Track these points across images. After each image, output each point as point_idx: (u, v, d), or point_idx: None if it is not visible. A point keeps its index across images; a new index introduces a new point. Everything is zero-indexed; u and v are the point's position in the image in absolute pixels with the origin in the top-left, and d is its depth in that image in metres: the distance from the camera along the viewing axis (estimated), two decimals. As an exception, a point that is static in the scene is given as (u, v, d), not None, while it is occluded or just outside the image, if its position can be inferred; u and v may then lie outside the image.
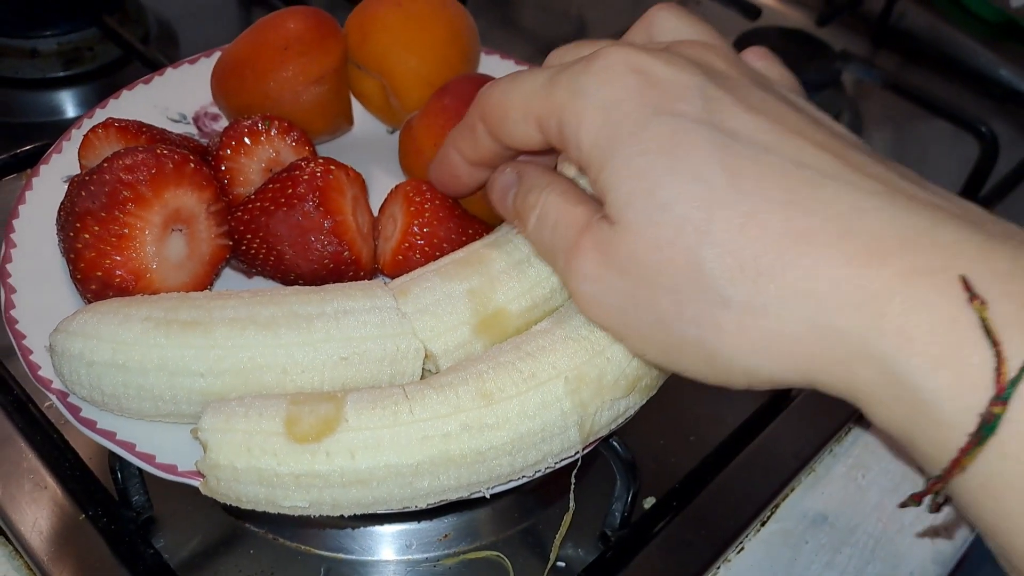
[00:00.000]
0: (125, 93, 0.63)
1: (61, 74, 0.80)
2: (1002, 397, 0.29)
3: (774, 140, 0.35)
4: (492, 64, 0.69)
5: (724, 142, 0.35)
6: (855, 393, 0.33)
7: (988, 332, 0.29)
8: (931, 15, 1.02)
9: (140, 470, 0.50)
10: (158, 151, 0.48)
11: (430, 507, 0.43)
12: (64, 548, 0.51)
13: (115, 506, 0.52)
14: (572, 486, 0.47)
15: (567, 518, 0.48)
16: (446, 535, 0.54)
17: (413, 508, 0.43)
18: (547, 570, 0.52)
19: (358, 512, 0.42)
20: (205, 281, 0.52)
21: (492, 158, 0.47)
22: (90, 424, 0.45)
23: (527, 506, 0.56)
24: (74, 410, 0.46)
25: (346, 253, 0.51)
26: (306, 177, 0.51)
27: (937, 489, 0.32)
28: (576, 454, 0.45)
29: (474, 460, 0.41)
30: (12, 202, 0.67)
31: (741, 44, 0.90)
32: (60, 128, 0.77)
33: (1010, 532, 0.30)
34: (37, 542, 0.51)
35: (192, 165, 0.49)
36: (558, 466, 0.45)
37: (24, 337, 0.48)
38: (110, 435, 0.45)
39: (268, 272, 0.53)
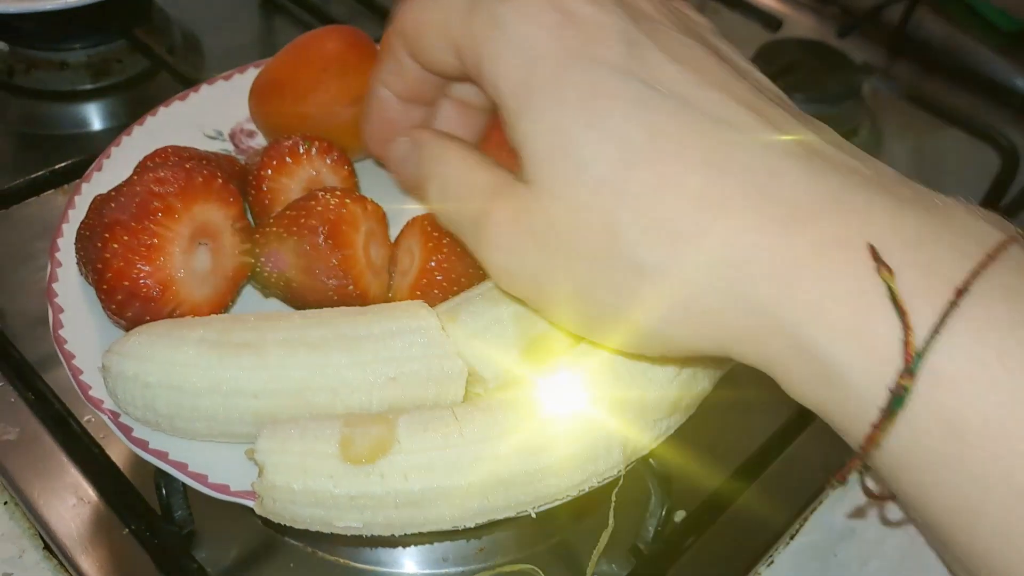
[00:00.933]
0: (161, 110, 0.64)
1: (90, 86, 0.81)
2: (910, 369, 0.28)
3: (696, 94, 0.34)
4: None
5: (645, 95, 0.33)
6: (770, 366, 0.32)
7: (895, 302, 0.28)
8: (947, 24, 1.03)
9: (184, 486, 0.51)
10: (187, 166, 0.49)
11: (478, 526, 0.44)
12: (108, 562, 0.51)
13: (158, 520, 0.52)
14: (612, 504, 0.47)
15: (605, 534, 0.49)
16: (481, 549, 0.55)
17: (462, 527, 0.44)
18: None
19: (409, 531, 0.43)
20: (227, 296, 0.52)
21: (422, 89, 0.44)
22: (142, 444, 0.46)
23: (560, 520, 0.56)
24: (126, 430, 0.46)
25: (351, 288, 0.52)
26: (319, 208, 0.51)
27: (856, 467, 0.31)
28: (618, 473, 0.46)
29: (523, 481, 0.42)
30: (50, 216, 0.69)
31: (763, 56, 0.91)
32: (88, 140, 0.78)
33: (927, 506, 0.30)
34: (81, 557, 0.51)
35: (220, 180, 0.49)
36: (600, 484, 0.46)
37: (74, 357, 0.49)
38: (162, 455, 0.46)
39: (279, 295, 0.54)
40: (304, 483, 0.41)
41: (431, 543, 0.54)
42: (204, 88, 0.66)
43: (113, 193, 0.49)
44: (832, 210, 0.31)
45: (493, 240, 0.37)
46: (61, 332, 0.50)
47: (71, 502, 0.53)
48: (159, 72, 0.83)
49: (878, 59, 1.02)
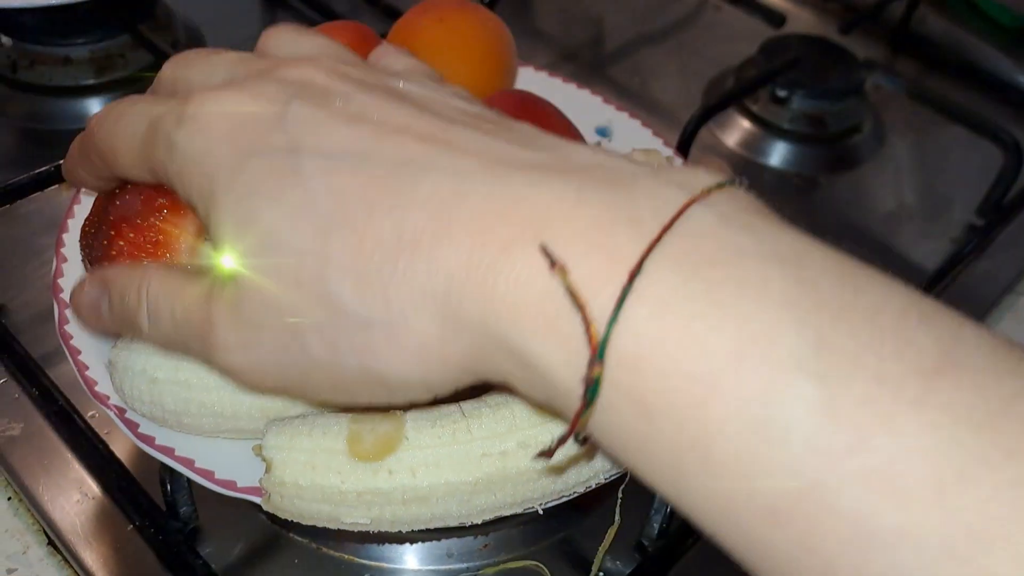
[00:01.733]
0: (165, 105, 0.64)
1: (93, 81, 0.81)
2: (598, 358, 0.28)
3: (373, 146, 0.34)
4: (526, 76, 0.70)
5: (321, 165, 0.34)
6: (504, 378, 0.33)
7: (573, 297, 0.29)
8: (949, 21, 1.03)
9: (189, 481, 0.51)
10: None
11: (485, 523, 0.44)
12: (113, 558, 0.51)
13: (163, 516, 0.52)
14: (620, 501, 0.48)
15: (612, 531, 0.49)
16: (486, 545, 0.55)
17: (468, 524, 0.44)
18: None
19: (416, 528, 0.43)
20: None
21: (116, 176, 0.44)
22: (149, 440, 0.46)
23: (564, 516, 0.56)
24: (132, 426, 0.46)
25: None
26: None
27: (557, 447, 0.32)
28: (626, 469, 0.46)
29: (530, 477, 0.42)
30: (54, 212, 0.69)
31: (766, 52, 0.91)
32: (92, 135, 0.78)
33: (644, 479, 0.30)
34: (86, 552, 0.51)
35: None
36: (607, 481, 0.46)
37: (80, 352, 0.49)
38: (169, 451, 0.46)
39: None
40: (312, 479, 0.41)
41: (437, 539, 0.54)
42: (208, 83, 0.66)
43: (118, 191, 0.49)
44: (515, 215, 0.31)
45: (223, 343, 0.36)
46: (67, 327, 0.50)
47: (75, 498, 0.53)
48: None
49: (880, 55, 1.02)
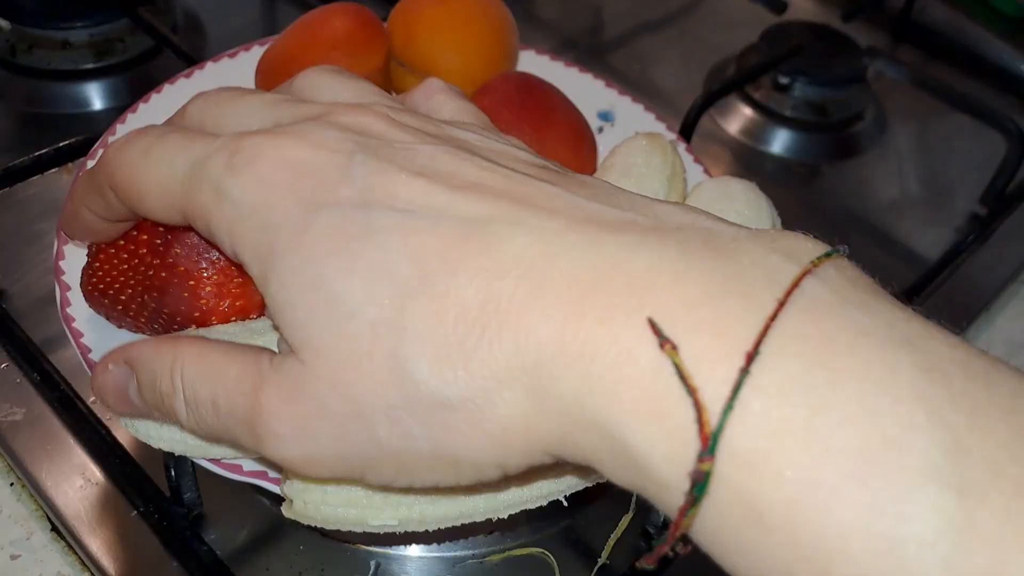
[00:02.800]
0: (166, 87, 0.63)
1: (92, 65, 0.80)
2: (708, 451, 0.25)
3: (448, 201, 0.31)
4: (527, 60, 0.69)
5: (396, 222, 0.31)
6: (590, 461, 0.29)
7: (683, 380, 0.26)
8: (951, 9, 1.03)
9: (193, 467, 0.51)
10: None
11: (511, 517, 0.43)
12: (117, 544, 0.51)
13: (166, 502, 0.52)
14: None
15: (625, 519, 0.49)
16: (492, 531, 0.55)
17: (495, 519, 0.43)
18: (596, 569, 0.53)
19: (444, 526, 0.42)
20: None
21: (133, 216, 0.41)
22: (154, 424, 0.46)
23: (570, 504, 0.56)
24: None
25: None
26: None
27: (663, 553, 0.28)
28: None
29: (558, 472, 0.42)
30: (54, 196, 0.68)
31: (768, 39, 0.91)
32: (90, 120, 0.78)
33: None
34: (89, 538, 0.51)
35: None
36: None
37: (82, 335, 0.48)
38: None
39: None
40: (337, 483, 0.40)
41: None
42: (209, 66, 0.65)
43: (155, 238, 0.45)
44: (612, 282, 0.28)
45: (275, 433, 0.32)
46: (69, 310, 0.49)
47: (78, 483, 0.53)
48: (162, 51, 0.82)
49: (882, 44, 1.01)
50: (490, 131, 0.38)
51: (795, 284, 0.27)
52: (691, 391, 0.26)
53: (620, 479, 0.29)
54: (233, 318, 0.46)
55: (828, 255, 0.28)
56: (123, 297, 0.47)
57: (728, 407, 0.25)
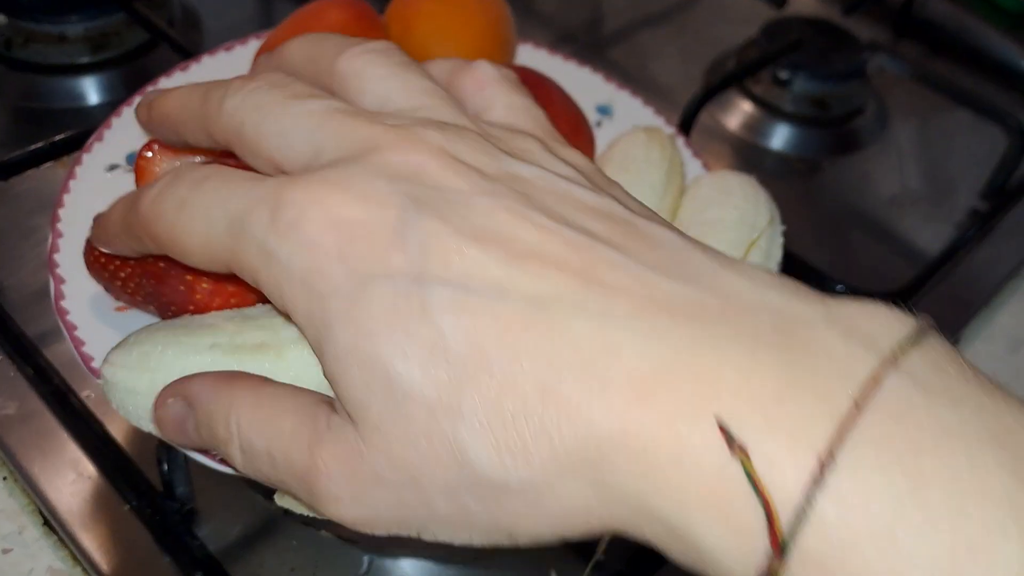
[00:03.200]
0: (163, 81, 0.63)
1: (88, 60, 0.80)
2: (779, 555, 0.25)
3: (506, 276, 0.30)
4: (526, 53, 0.69)
5: (452, 298, 0.29)
6: (654, 545, 0.29)
7: (754, 484, 0.25)
8: (952, 5, 1.02)
9: (186, 461, 0.50)
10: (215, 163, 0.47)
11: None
12: (109, 538, 0.51)
13: (159, 497, 0.52)
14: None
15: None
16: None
17: None
18: (590, 566, 0.53)
19: None
20: None
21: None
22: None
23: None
24: None
25: None
26: None
27: None
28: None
29: None
30: (49, 190, 0.68)
31: (768, 34, 0.90)
32: (85, 114, 0.77)
33: None
34: (82, 533, 0.51)
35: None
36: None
37: (76, 328, 0.48)
38: None
39: None
40: None
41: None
42: (205, 59, 0.65)
43: None
44: (676, 377, 0.27)
45: (333, 495, 0.32)
46: (63, 303, 0.49)
47: (71, 478, 0.53)
48: (158, 45, 0.82)
49: (883, 38, 1.01)
50: (548, 142, 0.37)
51: (874, 380, 0.26)
52: (762, 497, 0.25)
53: (685, 566, 0.28)
54: None
55: (912, 340, 0.27)
56: (122, 274, 0.47)
57: (802, 514, 0.25)
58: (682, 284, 0.29)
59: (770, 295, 0.29)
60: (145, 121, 0.42)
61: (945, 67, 0.99)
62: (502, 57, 0.61)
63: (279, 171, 0.35)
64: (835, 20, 0.96)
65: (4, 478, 0.54)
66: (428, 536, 0.33)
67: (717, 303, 0.29)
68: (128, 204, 0.38)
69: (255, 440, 0.34)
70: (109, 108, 0.71)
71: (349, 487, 0.31)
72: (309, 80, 0.38)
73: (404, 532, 0.33)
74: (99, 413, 0.55)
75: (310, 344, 0.32)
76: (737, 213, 0.53)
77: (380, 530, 0.33)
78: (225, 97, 0.36)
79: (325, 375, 0.32)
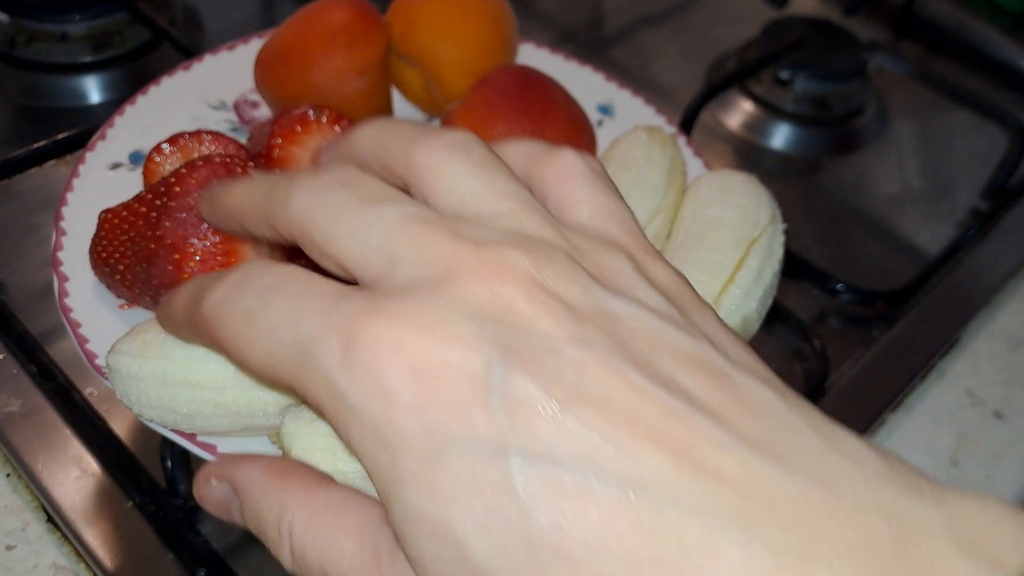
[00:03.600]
0: (165, 79, 0.63)
1: (90, 58, 0.80)
2: None
3: (600, 451, 0.27)
4: (527, 53, 0.69)
5: (538, 475, 0.27)
6: None
7: None
8: (953, 4, 1.03)
9: (189, 458, 0.51)
10: (217, 160, 0.47)
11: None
12: (112, 535, 0.51)
13: (162, 493, 0.52)
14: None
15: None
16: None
17: None
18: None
19: None
20: None
21: None
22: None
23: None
24: None
25: None
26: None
27: None
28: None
29: None
30: (51, 188, 0.68)
31: (769, 33, 0.91)
32: (87, 113, 0.78)
33: None
34: (85, 529, 0.51)
35: (252, 164, 0.49)
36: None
37: (80, 326, 0.48)
38: (190, 437, 0.45)
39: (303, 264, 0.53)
40: (333, 464, 0.40)
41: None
42: (207, 58, 0.65)
43: (159, 205, 0.47)
44: None
45: None
46: (67, 300, 0.49)
47: (74, 474, 0.53)
48: (160, 44, 0.82)
49: (883, 38, 1.01)
50: (638, 256, 0.34)
51: None
52: None
53: None
54: None
55: None
56: (121, 267, 0.48)
57: None
58: (788, 473, 0.27)
59: (883, 492, 0.26)
60: (209, 214, 0.40)
61: (945, 67, 0.99)
62: (504, 56, 0.61)
63: (349, 275, 0.33)
64: (836, 20, 0.96)
65: (8, 475, 0.54)
66: None
67: (826, 499, 0.26)
68: (192, 298, 0.35)
69: (309, 552, 0.31)
70: (111, 107, 0.72)
71: None
72: (379, 169, 0.36)
73: None
74: (102, 410, 0.55)
75: (375, 486, 0.29)
76: (739, 211, 0.53)
77: None
78: (292, 193, 0.34)
79: (395, 530, 0.29)
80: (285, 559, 0.32)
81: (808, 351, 0.65)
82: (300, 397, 0.32)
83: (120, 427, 0.54)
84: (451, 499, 0.27)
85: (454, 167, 0.34)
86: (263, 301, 0.32)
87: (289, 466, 0.34)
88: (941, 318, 0.71)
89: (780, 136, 0.87)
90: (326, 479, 0.33)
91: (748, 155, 0.85)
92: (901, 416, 0.65)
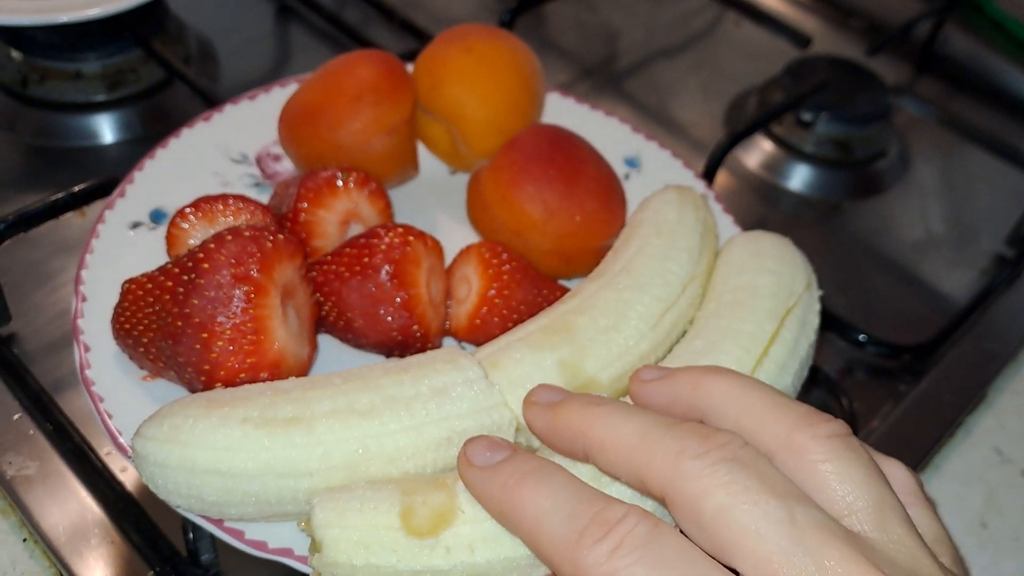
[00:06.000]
0: (185, 131, 0.62)
1: (104, 97, 0.79)
2: None
3: None
4: (552, 102, 0.68)
5: None
6: None
7: None
8: (974, 42, 1.02)
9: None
10: (247, 234, 0.47)
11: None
12: (133, 606, 0.50)
13: (184, 563, 0.51)
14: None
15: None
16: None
17: None
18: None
19: None
20: (315, 343, 0.51)
21: None
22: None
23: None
24: None
25: (415, 327, 0.50)
26: (383, 247, 0.50)
27: None
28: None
29: None
30: (66, 236, 0.67)
31: (792, 73, 0.89)
32: (103, 153, 0.76)
33: None
34: (105, 599, 0.50)
35: (282, 236, 0.48)
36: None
37: (103, 400, 0.47)
38: (218, 522, 0.44)
39: (336, 334, 0.52)
40: (367, 559, 0.39)
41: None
42: (228, 108, 0.64)
43: (187, 280, 0.46)
44: None
45: None
46: (88, 372, 0.48)
47: (93, 541, 0.52)
48: (175, 82, 0.81)
49: (905, 75, 1.00)
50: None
51: None
52: None
53: None
54: (242, 375, 0.45)
55: None
56: (144, 340, 0.47)
57: None
58: None
59: None
60: (543, 423, 0.40)
61: (967, 105, 0.98)
62: (532, 112, 0.60)
63: (730, 563, 0.33)
64: (858, 60, 0.95)
65: (24, 540, 0.53)
66: None
67: None
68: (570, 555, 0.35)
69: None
70: (125, 147, 0.71)
71: None
72: (748, 432, 0.36)
73: None
74: (120, 472, 0.54)
75: None
76: (772, 278, 0.52)
77: None
78: (682, 456, 0.34)
79: None
80: None
81: (836, 408, 0.64)
82: None
83: (140, 491, 0.53)
84: None
85: (847, 467, 0.35)
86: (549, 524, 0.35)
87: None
88: (968, 372, 0.70)
89: (800, 177, 0.86)
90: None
91: (767, 196, 0.84)
92: (930, 476, 0.64)
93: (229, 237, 0.46)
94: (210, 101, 0.71)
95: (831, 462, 0.35)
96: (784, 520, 0.32)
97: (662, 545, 0.32)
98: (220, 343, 0.45)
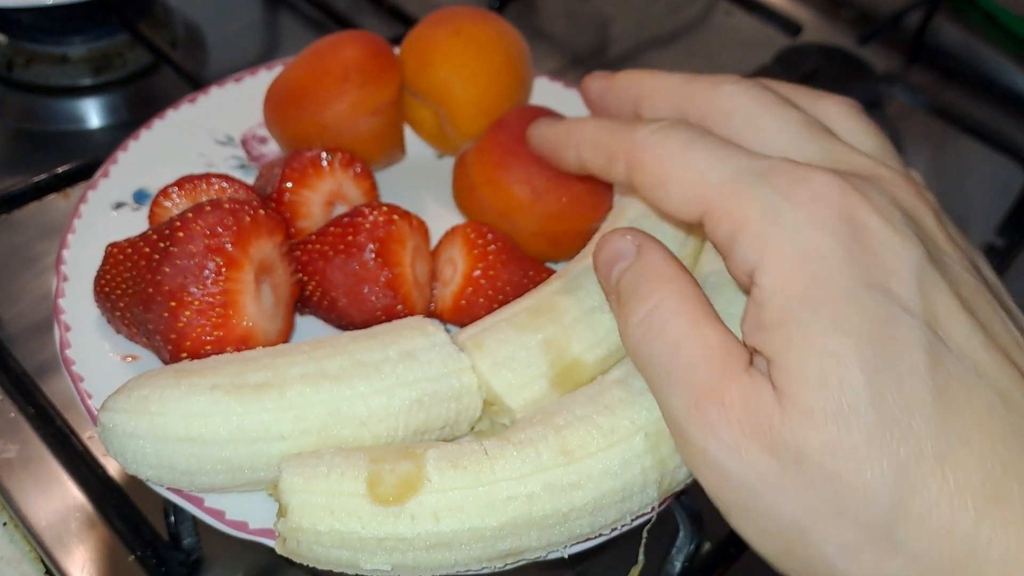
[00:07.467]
0: (170, 112, 0.61)
1: (90, 81, 0.78)
2: None
3: (987, 361, 0.31)
4: (540, 86, 0.68)
5: (938, 351, 0.30)
6: None
7: None
8: (965, 32, 1.01)
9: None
10: (226, 206, 0.46)
11: (508, 568, 0.42)
12: (114, 590, 0.49)
13: (165, 547, 0.50)
14: (644, 540, 0.46)
15: (635, 571, 0.47)
16: (500, 577, 0.53)
17: (492, 569, 0.42)
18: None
19: (439, 573, 0.41)
20: (290, 323, 0.51)
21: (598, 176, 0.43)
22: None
23: (581, 551, 0.55)
24: None
25: (399, 307, 0.50)
26: (367, 226, 0.49)
27: None
28: (652, 511, 0.44)
29: (556, 521, 0.40)
30: (49, 219, 0.66)
31: (781, 62, 0.89)
32: (88, 137, 0.76)
33: None
34: (85, 583, 0.49)
35: (263, 211, 0.47)
36: (634, 524, 0.44)
37: (82, 379, 0.47)
38: (176, 491, 0.44)
39: (320, 314, 0.52)
40: (331, 525, 0.39)
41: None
42: (213, 90, 0.64)
43: (163, 247, 0.46)
44: None
45: (716, 428, 0.33)
46: (68, 352, 0.48)
47: (74, 526, 0.51)
48: (161, 67, 0.80)
49: (896, 64, 1.00)
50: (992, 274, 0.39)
51: None
52: None
53: None
54: (208, 347, 0.45)
55: None
56: (121, 304, 0.47)
57: None
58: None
59: None
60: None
61: (958, 95, 0.97)
62: (519, 93, 0.60)
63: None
64: (850, 48, 0.94)
65: (4, 523, 0.53)
66: (745, 534, 0.34)
67: None
68: (609, 128, 0.41)
69: (673, 327, 0.35)
70: (111, 131, 0.70)
71: (738, 434, 0.32)
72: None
73: (734, 513, 0.34)
74: (102, 456, 0.53)
75: (764, 311, 0.33)
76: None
77: (722, 492, 0.34)
78: (725, 81, 0.40)
79: (767, 339, 0.33)
80: (634, 316, 0.37)
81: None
82: (707, 223, 0.36)
83: (122, 476, 0.53)
84: (855, 335, 0.30)
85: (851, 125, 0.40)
86: (700, 137, 0.37)
87: (672, 264, 0.38)
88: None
89: (791, 166, 0.85)
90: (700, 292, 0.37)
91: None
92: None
93: (208, 208, 0.46)
94: (197, 86, 0.70)
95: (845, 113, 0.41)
96: (799, 121, 0.38)
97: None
98: (188, 313, 0.44)
